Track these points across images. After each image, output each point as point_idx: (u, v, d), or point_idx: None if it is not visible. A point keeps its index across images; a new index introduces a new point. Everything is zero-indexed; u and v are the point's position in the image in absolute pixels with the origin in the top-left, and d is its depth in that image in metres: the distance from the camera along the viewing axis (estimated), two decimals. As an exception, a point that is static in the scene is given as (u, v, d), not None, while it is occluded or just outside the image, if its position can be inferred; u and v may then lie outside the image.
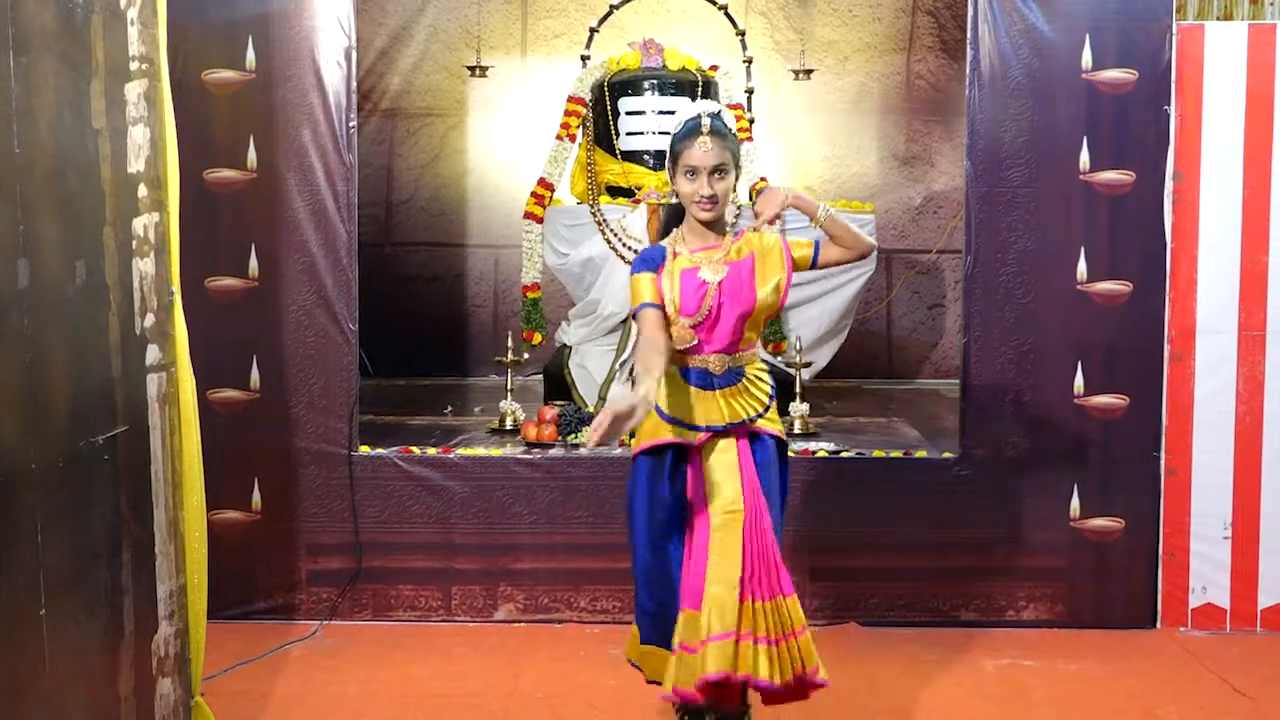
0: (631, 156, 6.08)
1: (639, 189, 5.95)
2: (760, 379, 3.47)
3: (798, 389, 5.48)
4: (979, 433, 4.72)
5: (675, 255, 3.43)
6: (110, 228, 2.92)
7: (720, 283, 3.39)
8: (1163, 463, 4.69)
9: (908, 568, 4.73)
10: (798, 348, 5.51)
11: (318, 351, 4.72)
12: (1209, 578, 4.69)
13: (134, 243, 3.05)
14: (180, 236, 3.33)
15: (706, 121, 3.38)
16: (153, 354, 3.15)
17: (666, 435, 3.41)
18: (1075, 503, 4.70)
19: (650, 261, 3.44)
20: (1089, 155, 4.63)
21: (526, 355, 5.84)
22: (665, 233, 3.54)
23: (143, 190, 3.11)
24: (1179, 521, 4.69)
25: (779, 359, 5.76)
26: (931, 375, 7.74)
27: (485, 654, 4.44)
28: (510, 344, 5.53)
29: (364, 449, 4.79)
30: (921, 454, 4.89)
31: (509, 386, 5.51)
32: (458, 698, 4.05)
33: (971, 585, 4.74)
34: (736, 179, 3.45)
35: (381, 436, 5.10)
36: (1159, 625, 4.71)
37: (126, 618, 2.95)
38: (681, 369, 3.43)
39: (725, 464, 3.40)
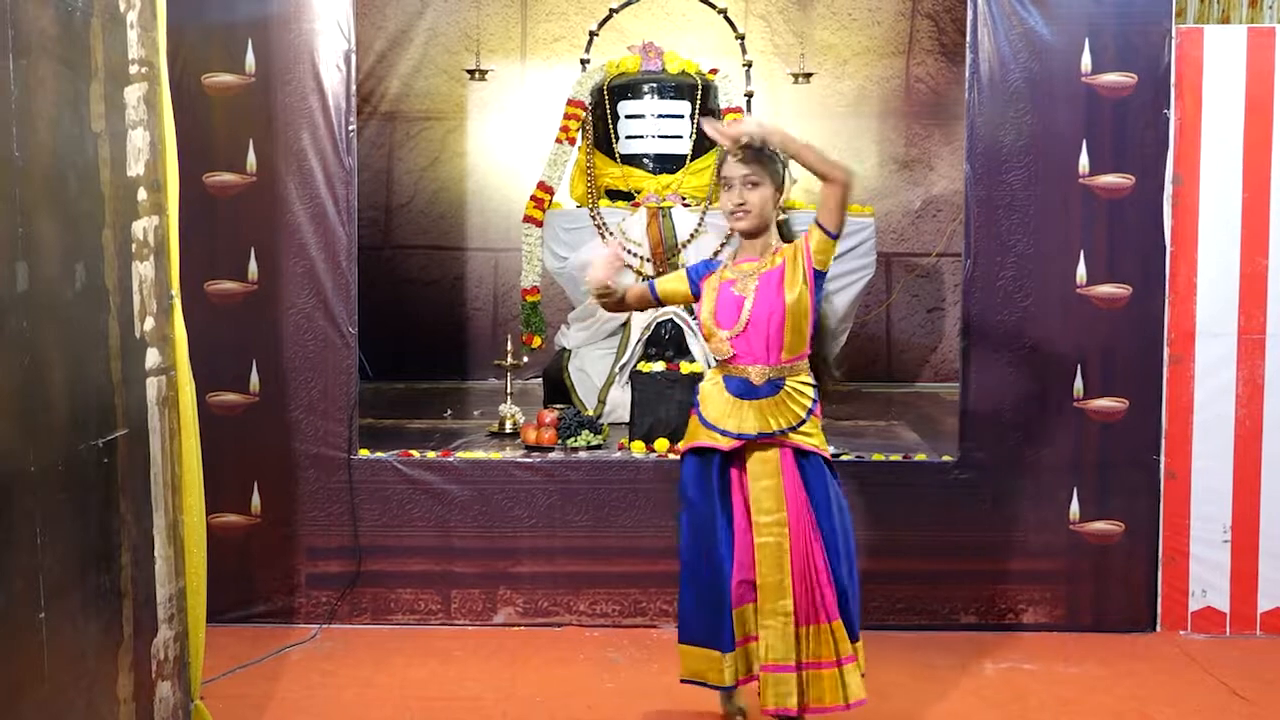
0: (631, 160, 6.09)
1: (638, 192, 5.96)
2: (801, 392, 3.52)
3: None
4: (978, 436, 4.72)
5: (725, 268, 3.59)
6: (110, 231, 2.92)
7: (755, 293, 3.48)
8: (1162, 466, 4.69)
9: (907, 571, 4.72)
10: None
11: (317, 355, 4.71)
12: (1209, 581, 4.69)
13: (133, 246, 3.05)
14: (180, 240, 3.33)
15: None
16: (152, 357, 3.15)
17: (703, 439, 3.56)
18: (1075, 506, 4.70)
19: (695, 269, 3.66)
20: (1088, 159, 4.64)
21: (526, 359, 5.84)
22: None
23: (142, 193, 3.11)
24: (1179, 525, 4.69)
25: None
26: (931, 378, 7.74)
27: (484, 658, 4.44)
28: (510, 347, 5.53)
29: (363, 452, 4.78)
30: (921, 457, 4.89)
31: (508, 390, 5.51)
32: (457, 701, 4.04)
33: (971, 589, 4.73)
34: (778, 196, 3.51)
35: (381, 440, 5.10)
36: (1159, 629, 4.71)
37: (126, 621, 2.95)
38: (725, 377, 3.55)
39: (767, 481, 3.52)
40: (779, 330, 3.46)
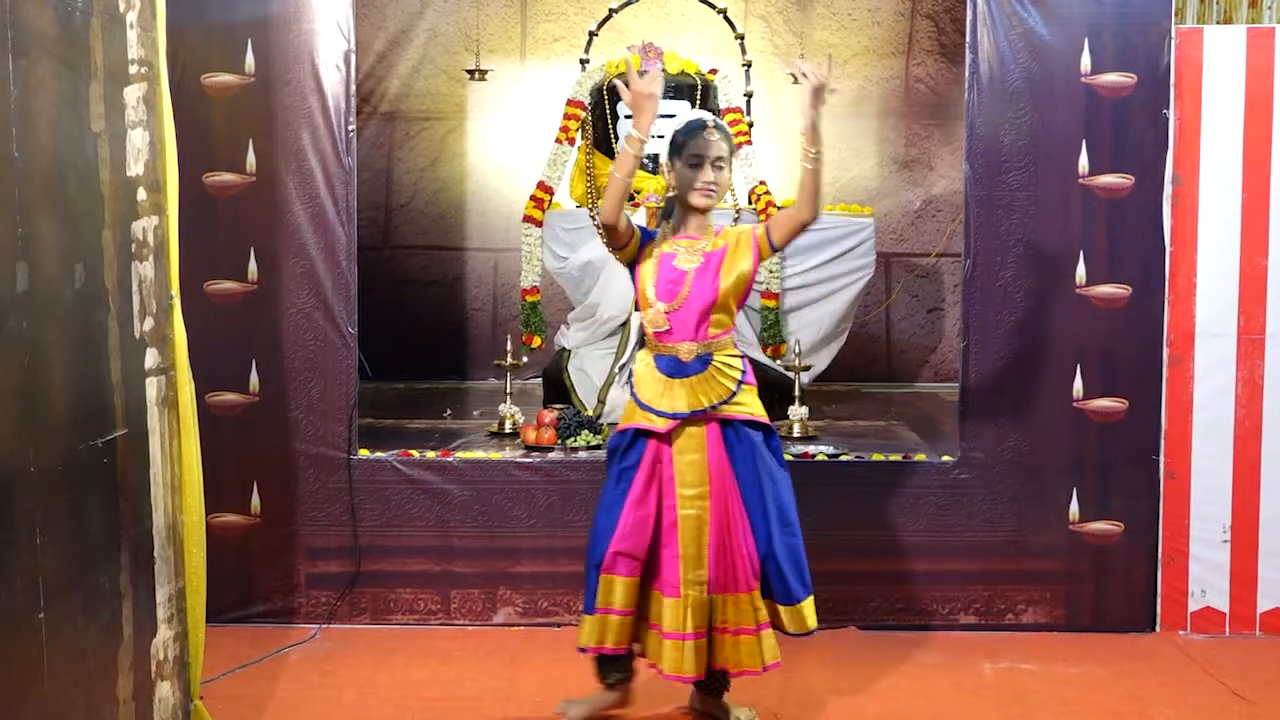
0: (631, 160, 6.08)
1: (638, 193, 5.95)
2: (729, 365, 3.62)
3: (797, 392, 5.48)
4: (978, 436, 4.72)
5: (663, 239, 3.65)
6: (109, 231, 2.92)
7: (695, 271, 3.58)
8: (1162, 466, 4.69)
9: (907, 571, 4.73)
10: (797, 351, 5.51)
11: (317, 355, 4.71)
12: (1208, 581, 4.69)
13: (133, 246, 3.05)
14: (179, 240, 3.33)
15: (711, 118, 3.68)
16: (152, 357, 3.15)
17: (638, 420, 3.63)
18: (1074, 506, 4.70)
19: (647, 234, 3.70)
20: (1088, 159, 4.64)
21: (525, 359, 5.84)
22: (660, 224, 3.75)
23: (142, 194, 3.11)
24: (1178, 525, 4.69)
25: (778, 362, 5.76)
26: (930, 378, 7.75)
27: (484, 657, 4.44)
28: (509, 347, 5.53)
29: (363, 452, 4.79)
30: (921, 457, 4.88)
31: (508, 390, 5.50)
32: (457, 701, 4.04)
33: (970, 589, 4.74)
34: (729, 181, 3.69)
35: (380, 440, 5.10)
36: (1158, 629, 4.71)
37: (125, 621, 2.95)
38: (656, 357, 3.63)
39: (692, 455, 3.60)
40: (709, 309, 3.58)
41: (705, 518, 3.60)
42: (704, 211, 3.64)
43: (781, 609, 3.63)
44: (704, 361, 3.59)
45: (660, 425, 3.59)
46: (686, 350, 3.59)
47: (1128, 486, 4.70)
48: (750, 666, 3.64)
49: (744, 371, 3.64)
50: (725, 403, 3.59)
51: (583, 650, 3.71)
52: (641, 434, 3.63)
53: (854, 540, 4.72)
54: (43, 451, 2.56)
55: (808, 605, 3.64)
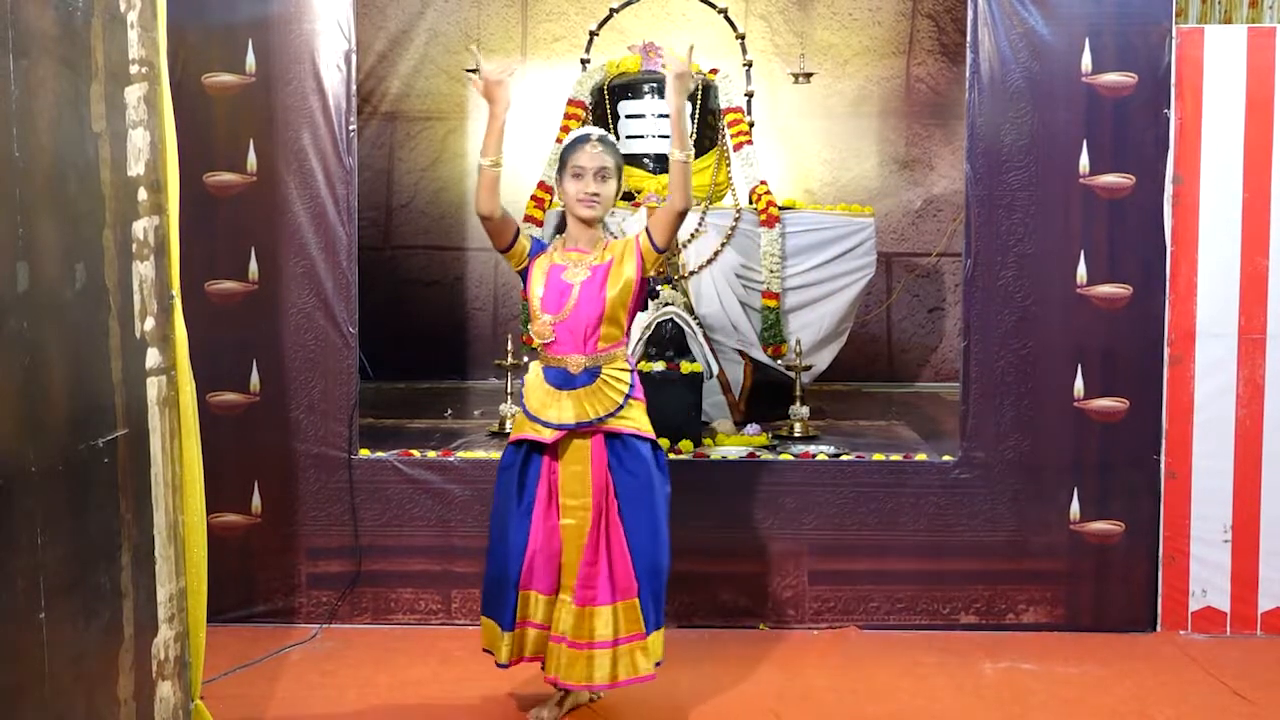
0: (631, 160, 6.07)
1: (638, 192, 5.95)
2: (617, 379, 3.67)
3: (798, 392, 5.48)
4: (979, 436, 4.72)
5: (554, 250, 3.72)
6: (110, 231, 2.92)
7: (582, 284, 3.64)
8: (1163, 466, 4.69)
9: (907, 571, 4.73)
10: (798, 351, 5.51)
11: (317, 354, 4.72)
12: (1209, 581, 4.69)
13: (134, 246, 3.05)
14: (180, 240, 3.33)
15: (596, 132, 3.78)
16: (152, 357, 3.15)
17: (527, 431, 3.68)
18: (1075, 506, 4.70)
19: (538, 244, 3.76)
20: (1089, 158, 4.64)
21: (526, 358, 5.84)
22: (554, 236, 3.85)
23: (142, 193, 3.10)
24: (1179, 525, 4.69)
25: (779, 362, 5.76)
26: (931, 378, 7.74)
27: (484, 658, 4.41)
28: (510, 347, 5.53)
29: (364, 452, 4.79)
30: (921, 457, 4.89)
31: (509, 390, 5.51)
32: (457, 702, 4.05)
33: (971, 589, 4.74)
34: (616, 193, 3.74)
35: (381, 440, 5.11)
36: (1159, 629, 4.71)
37: (126, 621, 2.95)
38: (544, 369, 3.69)
39: (576, 466, 3.67)
40: (597, 322, 3.63)
41: (585, 528, 3.66)
42: (591, 224, 3.71)
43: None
44: (591, 374, 3.65)
45: (547, 436, 3.65)
46: (575, 363, 3.64)
47: (1128, 486, 4.70)
48: (603, 680, 3.66)
49: (632, 386, 3.69)
50: (612, 415, 3.64)
51: (504, 666, 3.77)
52: (535, 447, 3.69)
53: (854, 540, 4.72)
54: (43, 451, 2.56)
55: (655, 639, 3.71)
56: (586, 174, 3.67)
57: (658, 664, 3.71)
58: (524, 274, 3.72)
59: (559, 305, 3.64)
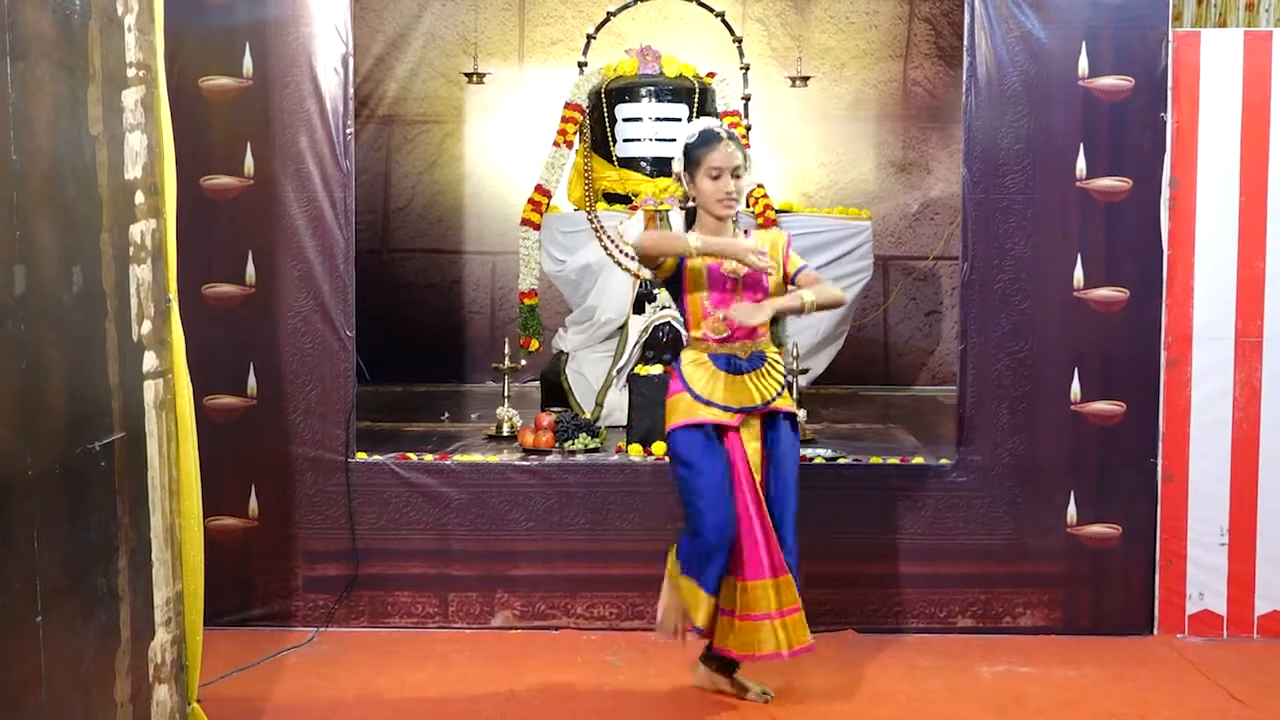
0: (628, 163, 6.09)
1: (636, 196, 5.96)
2: (779, 362, 3.85)
3: (795, 395, 5.48)
4: (976, 439, 4.72)
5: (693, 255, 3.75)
6: (107, 234, 2.91)
7: (744, 276, 3.74)
8: (1159, 469, 4.69)
9: (905, 574, 4.72)
10: (795, 354, 5.52)
11: (315, 358, 4.71)
12: (1206, 584, 4.69)
13: (131, 249, 3.05)
14: (177, 243, 3.33)
15: (723, 129, 3.78)
16: (150, 361, 3.14)
17: (702, 415, 3.74)
18: (1072, 509, 4.70)
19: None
20: (1085, 162, 4.64)
21: (524, 362, 5.85)
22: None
23: (140, 197, 3.10)
24: (1176, 528, 4.69)
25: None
26: (928, 382, 7.75)
27: (482, 661, 4.44)
28: (507, 350, 5.53)
29: (361, 455, 4.78)
30: (918, 460, 4.89)
31: (506, 393, 5.51)
32: (454, 704, 4.04)
33: (968, 592, 4.74)
34: (745, 186, 3.84)
35: (378, 443, 5.10)
36: (1156, 632, 4.71)
37: (123, 625, 2.94)
38: (712, 356, 3.77)
39: (754, 440, 3.78)
40: None
41: (760, 506, 3.77)
42: (724, 220, 3.77)
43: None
44: (760, 358, 3.78)
45: (729, 419, 3.73)
46: (744, 349, 3.76)
47: (1126, 489, 4.70)
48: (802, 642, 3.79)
49: (786, 366, 3.95)
50: (778, 396, 3.80)
51: (701, 631, 3.82)
52: (717, 427, 3.75)
53: (852, 543, 4.72)
54: (41, 454, 2.56)
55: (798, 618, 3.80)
56: (724, 173, 3.72)
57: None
58: (670, 281, 3.80)
59: (728, 300, 3.75)
